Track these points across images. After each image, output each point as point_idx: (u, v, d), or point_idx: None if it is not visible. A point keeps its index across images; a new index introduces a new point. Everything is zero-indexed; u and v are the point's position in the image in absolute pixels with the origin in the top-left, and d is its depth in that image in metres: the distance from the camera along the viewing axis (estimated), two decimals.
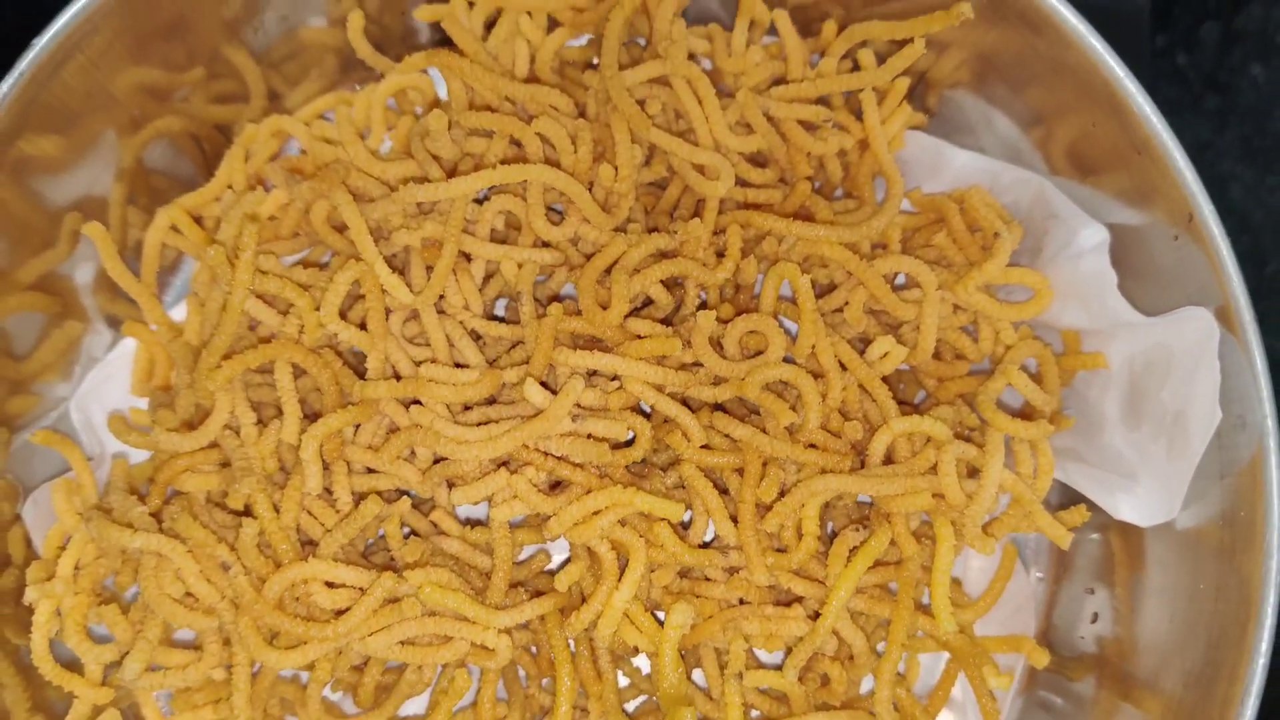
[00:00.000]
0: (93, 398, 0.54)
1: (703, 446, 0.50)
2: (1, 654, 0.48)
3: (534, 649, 0.52)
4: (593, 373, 0.49)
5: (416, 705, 0.52)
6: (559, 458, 0.48)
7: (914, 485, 0.48)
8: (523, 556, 0.52)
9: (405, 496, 0.50)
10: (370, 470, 0.50)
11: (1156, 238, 0.46)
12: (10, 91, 0.46)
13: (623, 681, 0.52)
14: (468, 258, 0.51)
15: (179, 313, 0.55)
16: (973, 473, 0.49)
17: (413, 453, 0.50)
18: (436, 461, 0.50)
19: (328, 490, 0.49)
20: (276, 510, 0.48)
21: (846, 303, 0.51)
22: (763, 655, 0.53)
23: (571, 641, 0.51)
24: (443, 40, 0.55)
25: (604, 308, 0.50)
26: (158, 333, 0.54)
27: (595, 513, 0.47)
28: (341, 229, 0.51)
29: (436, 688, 0.50)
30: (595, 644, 0.51)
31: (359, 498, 0.49)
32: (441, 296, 0.51)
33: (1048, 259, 0.50)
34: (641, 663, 0.53)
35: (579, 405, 0.48)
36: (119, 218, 0.54)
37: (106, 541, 0.46)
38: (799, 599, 0.50)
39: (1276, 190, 0.70)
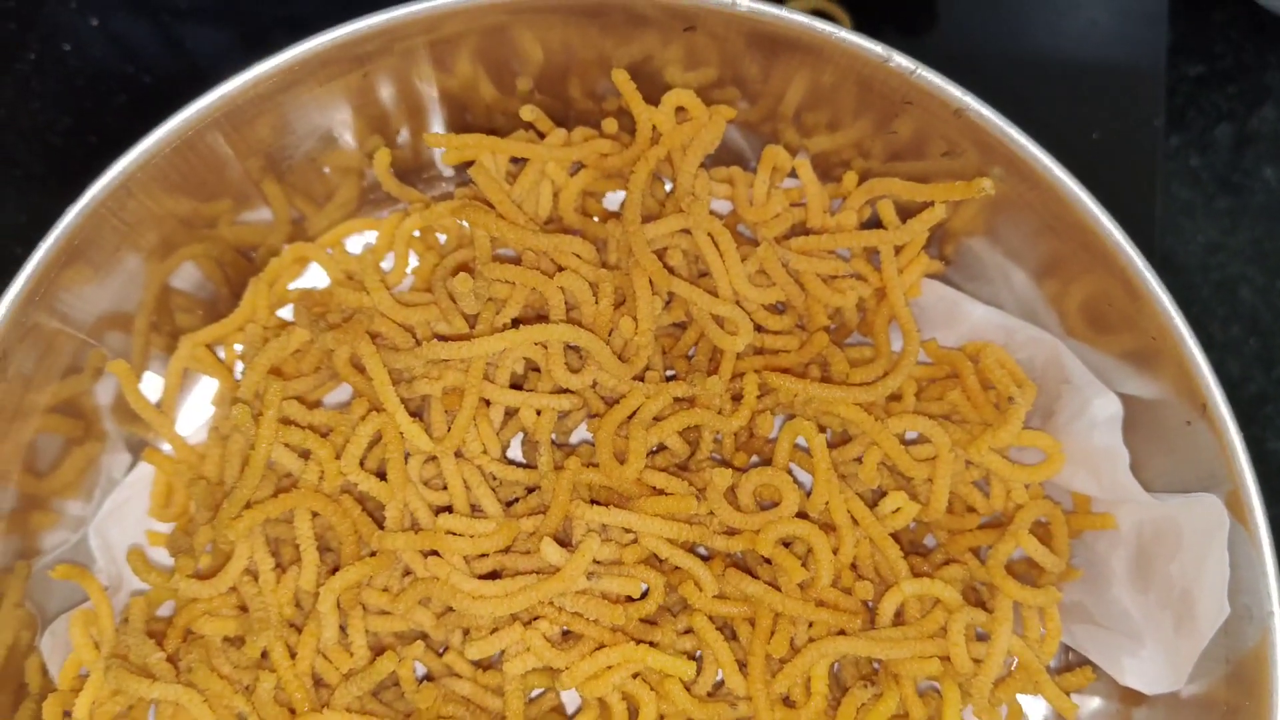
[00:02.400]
0: (111, 521, 0.55)
1: (715, 596, 0.50)
2: None
3: None
4: (607, 525, 0.50)
5: None
6: (573, 613, 0.49)
7: (923, 649, 0.48)
8: (534, 694, 0.53)
9: (419, 639, 0.51)
10: (385, 611, 0.51)
11: (1169, 417, 0.47)
12: (59, 238, 0.47)
13: None
14: (487, 403, 0.52)
15: (196, 422, 0.56)
16: (981, 635, 0.50)
17: (428, 598, 0.50)
18: (451, 609, 0.50)
19: (343, 633, 0.50)
20: (292, 656, 0.48)
21: (861, 456, 0.52)
22: None
23: None
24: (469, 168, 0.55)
25: (621, 460, 0.50)
26: (176, 461, 0.54)
27: (608, 668, 0.48)
28: (363, 370, 0.52)
29: None
30: None
31: (374, 640, 0.50)
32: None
33: (1061, 424, 0.51)
34: None
35: (594, 560, 0.49)
36: (142, 342, 0.55)
37: (126, 691, 0.46)
38: None
39: None
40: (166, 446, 0.55)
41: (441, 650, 0.52)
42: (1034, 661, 0.49)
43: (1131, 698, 0.51)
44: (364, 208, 0.59)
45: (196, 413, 0.57)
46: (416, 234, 0.56)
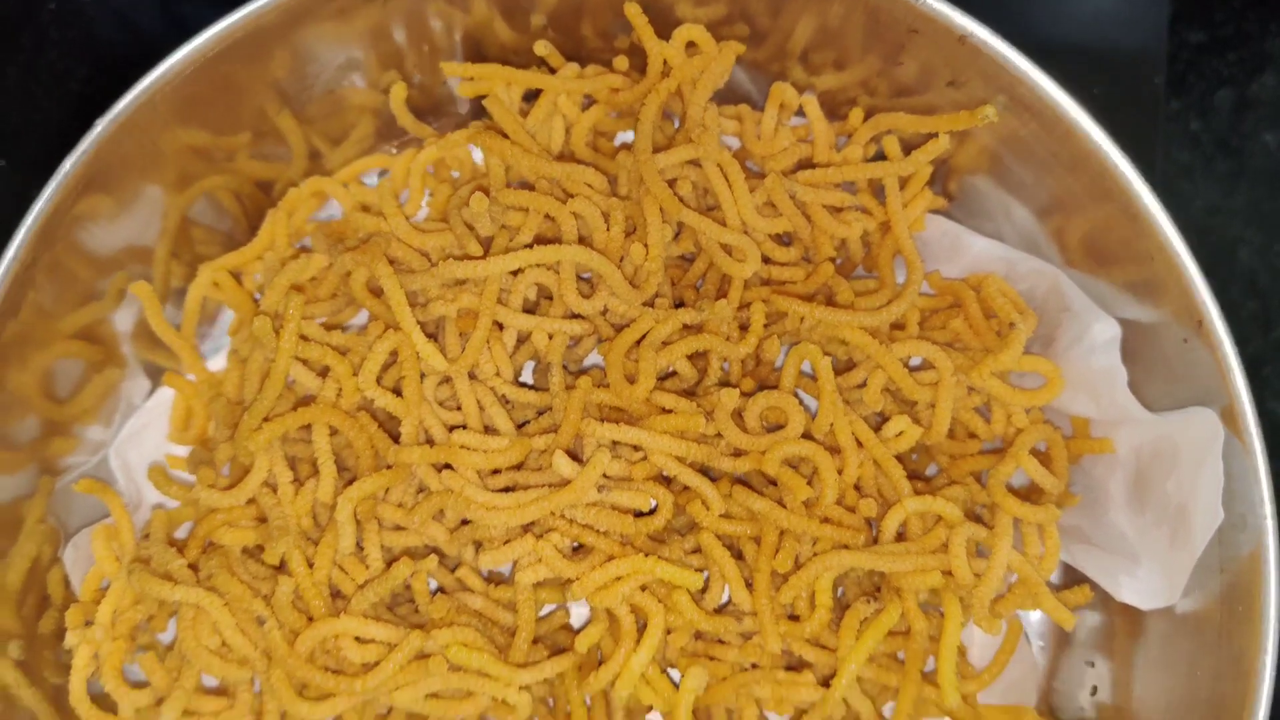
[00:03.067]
0: (131, 445, 0.56)
1: (721, 515, 0.52)
2: (40, 694, 0.49)
3: (550, 700, 0.54)
4: (617, 442, 0.51)
5: None
6: (584, 525, 0.50)
7: (925, 563, 0.49)
8: (543, 613, 0.54)
9: (433, 554, 0.52)
10: (400, 527, 0.52)
11: (1166, 337, 0.48)
12: (75, 165, 0.48)
13: None
14: (500, 326, 0.53)
15: (215, 361, 0.57)
16: (981, 551, 0.51)
17: (442, 512, 0.52)
18: (464, 523, 0.51)
19: (359, 546, 0.51)
20: (310, 565, 0.49)
21: (865, 381, 0.53)
22: (771, 718, 0.55)
23: (588, 698, 0.52)
24: (483, 107, 0.57)
25: (631, 381, 0.51)
26: (196, 385, 0.56)
27: (617, 578, 0.49)
28: (379, 294, 0.53)
29: None
30: (610, 702, 0.53)
31: (389, 554, 0.51)
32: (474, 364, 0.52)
33: (1060, 350, 0.52)
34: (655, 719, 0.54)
35: (604, 475, 0.50)
36: (162, 271, 0.56)
37: (147, 594, 0.48)
38: (809, 665, 0.52)
39: None
40: (189, 377, 0.57)
41: (454, 567, 0.53)
42: (1033, 576, 0.50)
43: (1128, 614, 0.52)
44: (380, 145, 0.61)
45: (211, 355, 0.59)
46: (430, 171, 0.58)
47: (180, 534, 0.55)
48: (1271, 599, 0.45)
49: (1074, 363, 0.51)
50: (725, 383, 0.54)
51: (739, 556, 0.53)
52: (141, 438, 0.56)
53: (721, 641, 0.52)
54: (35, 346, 0.51)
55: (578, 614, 0.55)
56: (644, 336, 0.52)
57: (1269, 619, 0.45)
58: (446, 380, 0.53)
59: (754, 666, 0.52)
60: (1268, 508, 0.45)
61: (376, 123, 0.60)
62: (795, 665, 0.52)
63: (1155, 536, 0.49)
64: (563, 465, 0.49)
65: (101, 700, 0.51)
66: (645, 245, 0.52)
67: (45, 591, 0.52)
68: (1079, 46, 0.71)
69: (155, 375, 0.58)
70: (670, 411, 0.51)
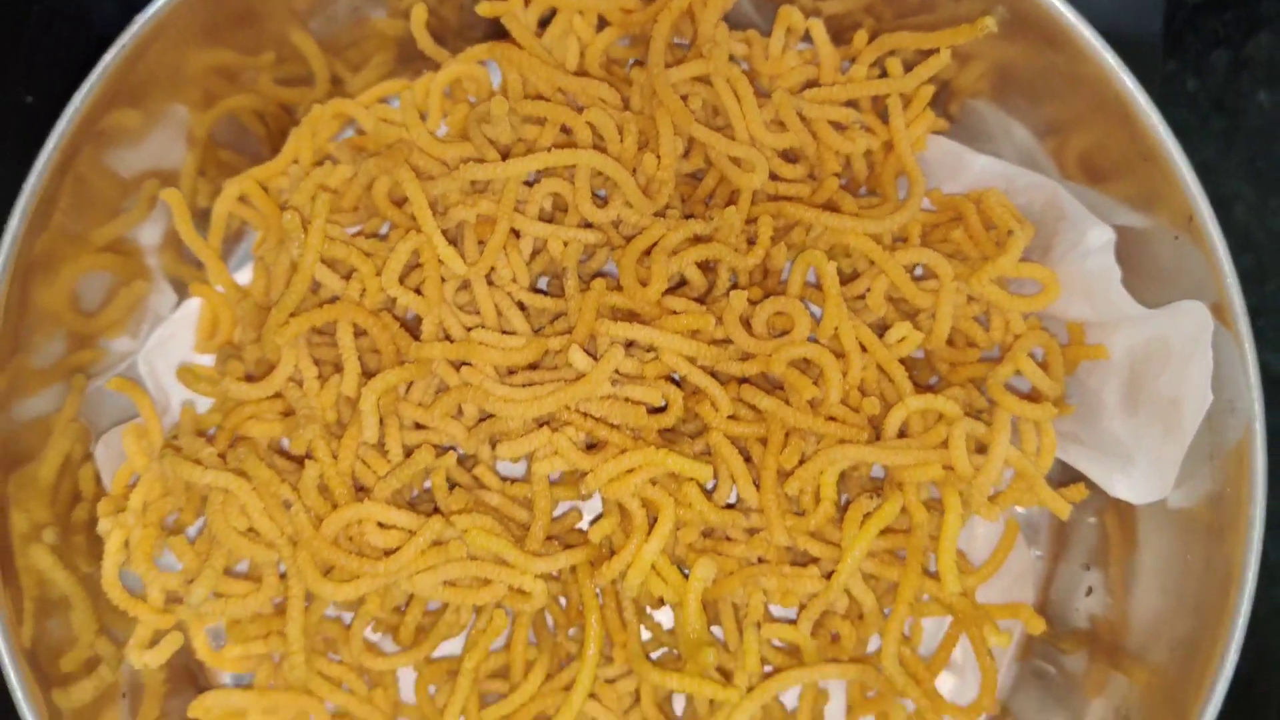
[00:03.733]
0: (158, 354, 0.58)
1: (729, 417, 0.54)
2: (74, 580, 0.51)
3: (563, 601, 0.56)
4: (630, 343, 0.53)
5: (452, 647, 0.56)
6: (598, 419, 0.52)
7: (926, 457, 0.51)
8: (557, 514, 0.56)
9: (451, 452, 0.54)
10: (419, 427, 0.54)
11: (1158, 238, 0.50)
12: (100, 76, 0.50)
13: (644, 636, 0.56)
14: (517, 235, 0.55)
15: (241, 277, 0.59)
16: (980, 449, 0.53)
17: (460, 411, 0.53)
18: (482, 420, 0.53)
19: (380, 443, 0.53)
20: (334, 457, 0.51)
21: (868, 290, 0.55)
22: (777, 613, 0.57)
23: (599, 593, 0.54)
24: (498, 35, 0.59)
25: (643, 285, 0.53)
26: (223, 295, 0.58)
27: (629, 471, 0.51)
28: (401, 204, 0.55)
29: (474, 629, 0.54)
30: (620, 597, 0.54)
31: (409, 451, 0.53)
32: (491, 269, 0.54)
33: (1056, 257, 0.54)
34: (663, 618, 0.56)
35: (617, 372, 0.52)
36: (189, 188, 0.58)
37: (179, 476, 0.50)
38: (814, 560, 0.54)
39: (1279, 212, 0.73)
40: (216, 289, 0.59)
41: (471, 467, 0.55)
42: (1031, 470, 0.52)
43: (1122, 519, 0.54)
44: (399, 73, 0.63)
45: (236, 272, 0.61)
46: (448, 92, 0.60)
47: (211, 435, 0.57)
48: (1259, 479, 0.47)
49: (1069, 267, 0.53)
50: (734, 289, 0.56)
51: (747, 459, 0.54)
52: (168, 347, 0.58)
53: (729, 539, 0.54)
54: (65, 261, 0.53)
55: (590, 518, 0.57)
56: (656, 244, 0.54)
57: (1257, 499, 0.47)
58: (465, 287, 0.55)
59: (760, 561, 0.54)
60: (1255, 393, 0.47)
61: (396, 51, 0.62)
62: (801, 562, 0.54)
63: (1148, 434, 0.51)
64: (578, 359, 0.51)
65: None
66: (658, 156, 0.54)
67: (77, 488, 0.54)
68: (1077, 5, 0.73)
69: (182, 290, 0.60)
70: (681, 313, 0.53)
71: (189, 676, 0.58)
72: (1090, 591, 0.56)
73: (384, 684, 0.55)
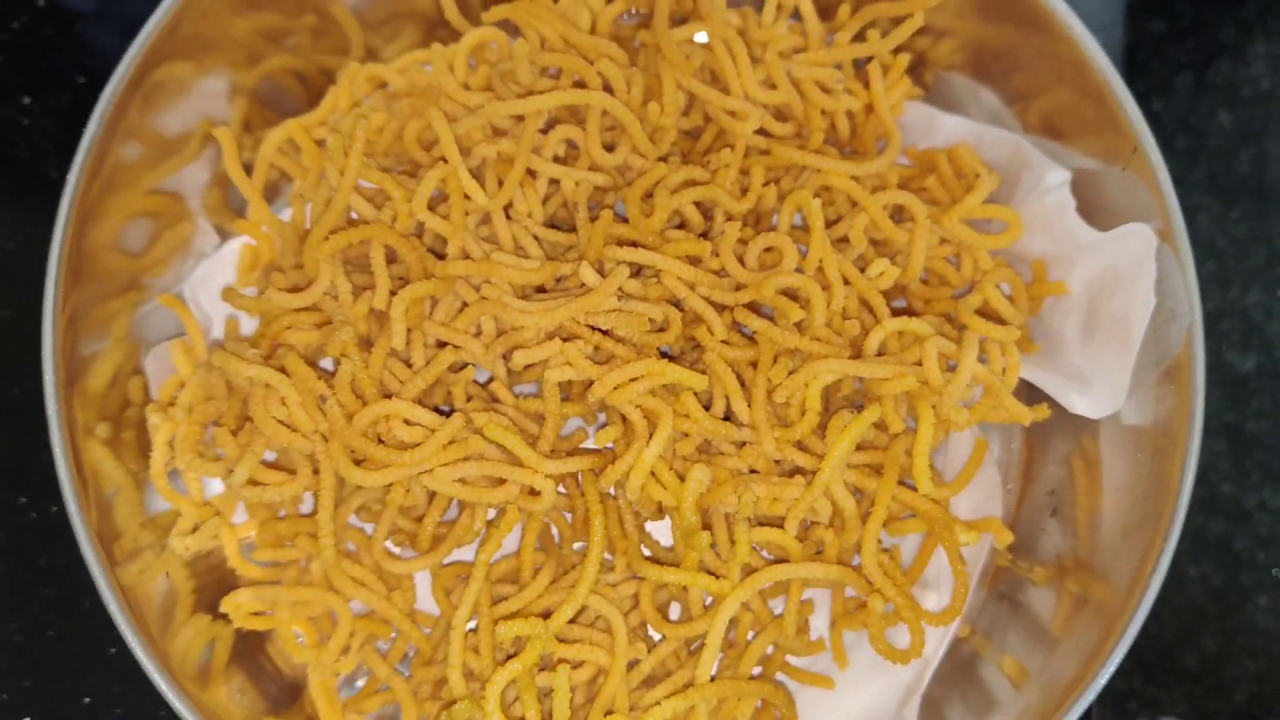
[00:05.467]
0: (202, 286, 0.63)
1: (723, 342, 0.59)
2: (124, 473, 0.56)
3: (568, 516, 0.61)
4: (637, 272, 0.59)
5: (465, 554, 0.60)
6: (605, 332, 0.57)
7: (902, 370, 0.56)
8: (565, 431, 0.61)
9: (471, 366, 0.59)
10: (441, 345, 0.59)
11: (1110, 175, 0.56)
12: (150, 33, 0.56)
13: (644, 553, 0.60)
14: (533, 175, 0.61)
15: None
16: (952, 368, 0.58)
17: (479, 330, 0.59)
18: (499, 336, 0.59)
19: (406, 357, 0.58)
20: (365, 365, 0.57)
21: (850, 228, 0.61)
22: None
23: (611, 489, 0.59)
24: None
25: (647, 217, 0.59)
26: (265, 235, 0.63)
27: (632, 380, 0.56)
28: (430, 147, 0.61)
29: (488, 527, 0.59)
30: (622, 510, 0.59)
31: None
32: (509, 205, 0.60)
33: (1019, 200, 0.60)
34: (661, 536, 0.61)
35: (622, 290, 0.57)
36: (235, 134, 0.64)
37: (226, 370, 0.55)
38: (800, 471, 0.58)
39: (1240, 222, 0.79)
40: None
41: (487, 384, 0.60)
42: (998, 385, 0.57)
43: (1083, 445, 0.60)
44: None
45: None
46: (472, 62, 0.66)
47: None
48: (1199, 376, 0.52)
49: (1030, 206, 0.59)
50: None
51: (740, 384, 0.60)
52: (211, 282, 0.63)
53: (722, 453, 0.59)
54: (117, 206, 0.58)
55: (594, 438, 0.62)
56: (659, 183, 0.60)
57: (1197, 390, 0.52)
58: (485, 221, 0.61)
59: (751, 472, 0.59)
60: (1194, 299, 0.52)
61: (424, 25, 0.68)
62: (789, 473, 0.59)
63: (1103, 355, 0.57)
64: (588, 274, 0.56)
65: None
66: (661, 106, 0.60)
67: (127, 395, 0.59)
68: None
69: (224, 233, 0.65)
70: (681, 241, 0.59)
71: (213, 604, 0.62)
72: (1055, 512, 0.61)
73: (402, 587, 0.60)
